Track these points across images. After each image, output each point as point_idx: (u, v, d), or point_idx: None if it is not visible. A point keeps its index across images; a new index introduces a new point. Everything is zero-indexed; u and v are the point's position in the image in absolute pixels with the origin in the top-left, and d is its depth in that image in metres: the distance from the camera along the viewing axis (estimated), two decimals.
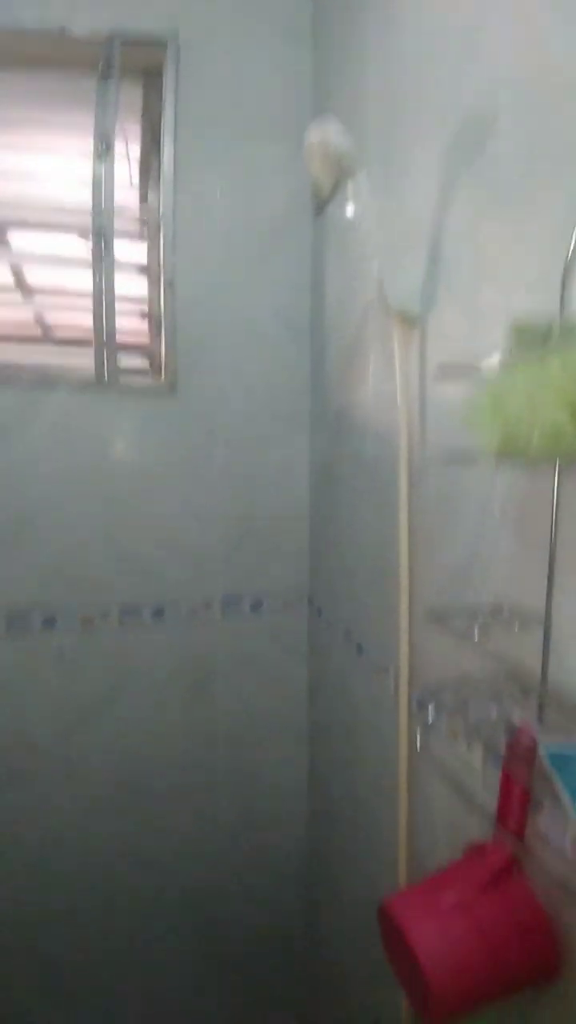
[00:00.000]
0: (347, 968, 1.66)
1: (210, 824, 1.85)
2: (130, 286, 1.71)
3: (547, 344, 0.68)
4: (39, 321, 1.75)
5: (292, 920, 1.97)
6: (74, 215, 1.68)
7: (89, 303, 1.65)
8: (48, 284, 1.72)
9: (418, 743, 0.89)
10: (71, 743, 1.72)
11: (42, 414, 1.63)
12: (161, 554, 1.73)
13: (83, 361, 1.68)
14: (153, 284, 1.71)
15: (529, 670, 0.83)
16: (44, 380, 1.65)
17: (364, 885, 1.49)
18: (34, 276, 1.70)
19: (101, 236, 1.65)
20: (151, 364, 1.74)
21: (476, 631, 0.86)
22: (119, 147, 1.71)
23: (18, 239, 1.70)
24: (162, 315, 1.68)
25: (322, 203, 1.62)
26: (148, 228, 1.71)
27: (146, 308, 1.73)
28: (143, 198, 1.74)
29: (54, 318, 1.75)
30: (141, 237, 1.72)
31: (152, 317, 1.72)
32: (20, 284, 1.70)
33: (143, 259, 1.72)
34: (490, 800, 0.90)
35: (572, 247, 0.73)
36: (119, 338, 1.68)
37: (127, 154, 1.75)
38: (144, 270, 1.72)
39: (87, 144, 1.66)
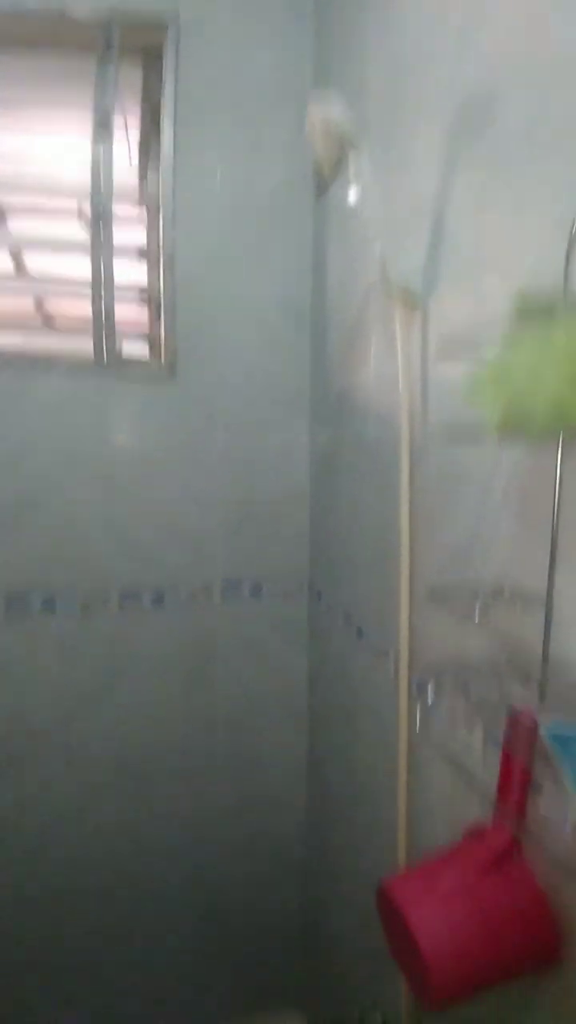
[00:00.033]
0: (347, 952, 1.66)
1: (210, 808, 1.85)
2: (129, 269, 1.69)
3: (551, 318, 0.67)
4: (38, 304, 1.73)
5: (292, 904, 1.97)
6: (73, 197, 1.66)
7: (88, 285, 1.64)
8: (47, 266, 1.71)
9: (417, 724, 0.87)
10: (71, 727, 1.72)
11: (41, 398, 1.62)
12: (161, 538, 1.72)
13: (82, 344, 1.67)
14: (152, 266, 1.70)
15: (530, 651, 0.82)
16: (43, 363, 1.64)
17: (364, 868, 1.49)
18: (33, 258, 1.69)
19: (100, 218, 1.63)
20: (150, 347, 1.73)
21: (477, 611, 0.85)
22: (118, 128, 1.69)
23: (17, 221, 1.68)
24: (161, 298, 1.67)
25: (324, 183, 1.61)
26: (147, 210, 1.70)
27: (145, 291, 1.71)
28: (142, 180, 1.72)
29: (53, 301, 1.74)
30: (140, 219, 1.70)
31: (151, 300, 1.70)
32: (19, 267, 1.68)
33: (142, 241, 1.71)
34: (490, 782, 0.89)
35: None
36: (118, 321, 1.67)
37: (127, 136, 1.73)
38: (143, 252, 1.70)
39: (86, 126, 1.65)
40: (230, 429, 1.73)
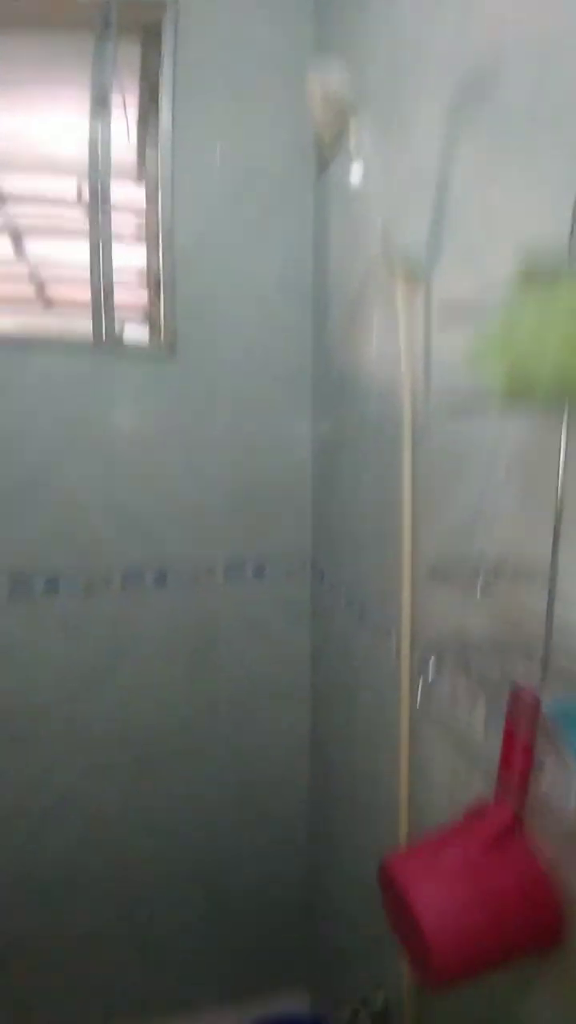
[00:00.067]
0: (350, 931, 1.66)
1: (213, 788, 1.86)
2: (128, 247, 1.67)
3: (556, 280, 0.65)
4: (36, 284, 1.72)
5: (296, 883, 1.98)
6: (72, 175, 1.64)
7: (87, 264, 1.62)
8: (45, 245, 1.69)
9: (418, 699, 0.86)
10: (74, 708, 1.72)
11: (41, 379, 1.61)
12: (163, 519, 1.71)
13: (82, 324, 1.65)
14: (151, 244, 1.68)
15: (533, 627, 0.81)
16: (43, 344, 1.62)
17: (366, 847, 1.49)
18: (31, 237, 1.67)
19: (98, 196, 1.61)
20: (150, 326, 1.71)
21: (479, 588, 0.84)
22: (117, 106, 1.67)
23: (15, 200, 1.66)
24: (161, 276, 1.65)
25: (325, 159, 1.59)
26: (146, 188, 1.68)
27: (144, 269, 1.69)
28: (141, 158, 1.70)
29: (51, 280, 1.72)
30: (139, 197, 1.68)
31: (151, 278, 1.69)
32: (17, 246, 1.67)
33: (141, 219, 1.69)
34: (492, 760, 0.88)
35: None
36: (117, 300, 1.65)
37: (125, 114, 1.71)
38: (142, 230, 1.68)
39: (85, 104, 1.62)
40: (231, 408, 1.72)
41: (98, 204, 1.62)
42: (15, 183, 1.65)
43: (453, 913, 0.80)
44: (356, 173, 1.30)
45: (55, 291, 1.73)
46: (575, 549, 0.76)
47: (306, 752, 1.91)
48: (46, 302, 1.73)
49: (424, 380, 1.12)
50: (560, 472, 0.76)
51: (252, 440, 1.75)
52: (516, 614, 0.85)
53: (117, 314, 1.66)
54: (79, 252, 1.63)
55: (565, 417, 0.74)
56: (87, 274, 1.63)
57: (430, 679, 0.84)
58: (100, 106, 1.63)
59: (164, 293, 1.65)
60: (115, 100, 1.65)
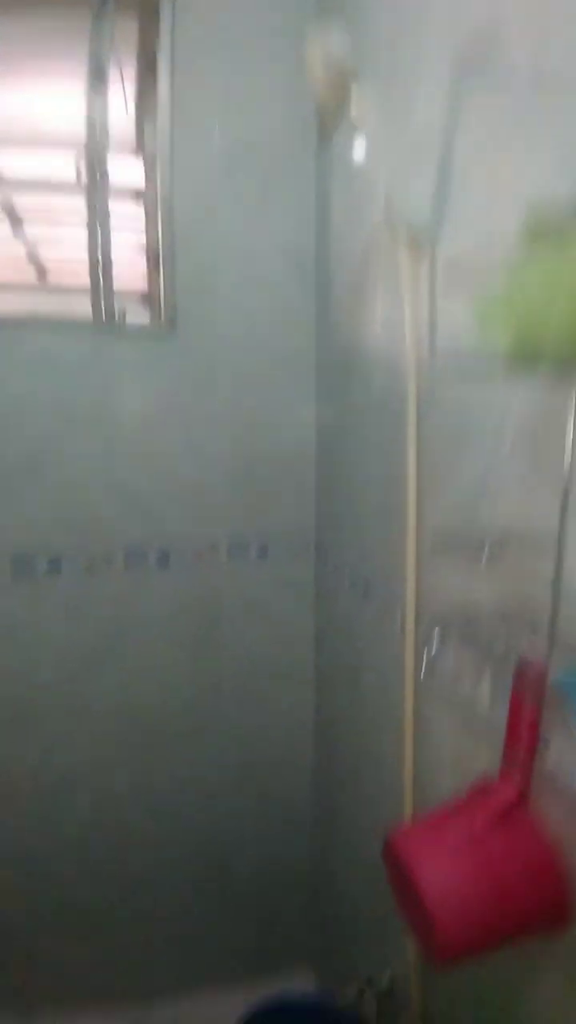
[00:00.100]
0: (356, 911, 1.66)
1: (217, 768, 1.85)
2: (127, 222, 1.64)
3: (563, 237, 0.63)
4: (33, 261, 1.69)
5: (301, 863, 1.97)
6: (69, 150, 1.61)
7: (84, 241, 1.60)
8: (43, 222, 1.66)
9: (422, 672, 0.85)
10: (78, 688, 1.72)
11: (39, 357, 1.58)
12: (165, 498, 1.69)
13: (79, 300, 1.63)
14: (150, 219, 1.65)
15: (540, 599, 0.79)
16: (40, 322, 1.60)
17: (371, 827, 1.48)
18: (29, 213, 1.65)
19: (96, 171, 1.58)
20: (149, 303, 1.68)
21: (485, 559, 0.82)
22: (115, 81, 1.64)
23: (11, 175, 1.63)
24: (160, 252, 1.62)
25: (327, 128, 1.55)
26: (145, 162, 1.65)
27: (143, 244, 1.66)
28: (139, 132, 1.67)
29: (49, 258, 1.70)
30: (137, 172, 1.65)
31: (150, 254, 1.66)
32: (13, 223, 1.64)
33: (140, 194, 1.66)
34: (497, 737, 0.86)
35: None
36: (116, 277, 1.62)
37: (123, 87, 1.68)
38: (141, 204, 1.65)
39: (82, 78, 1.59)
40: (232, 385, 1.69)
41: (95, 179, 1.59)
42: (12, 159, 1.63)
43: (457, 888, 0.79)
44: (358, 141, 1.27)
45: (52, 268, 1.70)
46: None
47: (310, 732, 1.90)
48: (43, 280, 1.70)
49: (429, 349, 1.09)
50: (569, 440, 0.73)
51: (254, 417, 1.72)
52: (522, 586, 0.84)
53: (116, 291, 1.63)
54: (77, 228, 1.61)
55: (574, 381, 0.72)
56: (85, 251, 1.60)
57: (434, 652, 0.83)
58: (97, 81, 1.60)
59: (163, 269, 1.62)
60: (113, 74, 1.61)
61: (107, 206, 1.60)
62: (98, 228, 1.60)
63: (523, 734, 0.79)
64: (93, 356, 1.61)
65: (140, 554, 1.70)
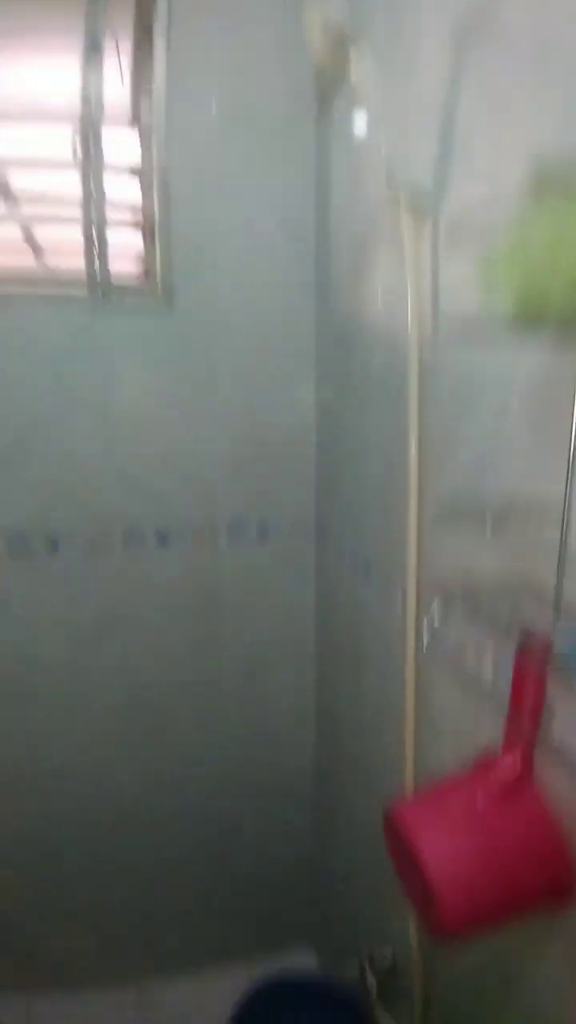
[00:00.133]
0: (357, 889, 1.66)
1: (219, 747, 1.84)
2: (122, 195, 1.61)
3: (571, 190, 0.61)
4: (27, 235, 1.66)
5: (303, 841, 1.97)
6: (63, 121, 1.58)
7: (79, 213, 1.56)
8: (36, 194, 1.63)
9: (424, 643, 0.83)
10: (78, 668, 1.70)
11: (32, 332, 1.55)
12: (163, 477, 1.67)
13: (74, 275, 1.60)
14: (146, 191, 1.61)
15: (544, 569, 0.77)
16: (34, 296, 1.57)
17: (372, 804, 1.47)
18: (22, 186, 1.61)
19: (90, 141, 1.55)
20: (146, 276, 1.65)
21: (488, 528, 0.80)
22: (110, 50, 1.60)
23: (5, 148, 1.60)
24: (156, 222, 1.59)
25: (326, 95, 1.52)
26: (140, 133, 1.61)
27: (140, 216, 1.63)
28: (135, 102, 1.63)
29: (43, 231, 1.66)
30: (133, 141, 1.62)
31: (146, 227, 1.63)
32: (6, 196, 1.61)
33: (135, 164, 1.62)
34: (500, 711, 0.85)
35: None
36: (112, 251, 1.59)
37: (119, 57, 1.65)
38: (136, 176, 1.62)
39: (78, 50, 1.56)
40: (232, 360, 1.66)
41: (90, 150, 1.55)
42: (6, 134, 1.59)
43: (459, 861, 0.78)
44: (358, 108, 1.24)
45: (47, 243, 1.67)
46: None
47: (311, 711, 1.89)
48: (38, 255, 1.67)
49: (432, 317, 1.07)
50: (575, 404, 0.72)
51: (253, 394, 1.69)
52: (527, 556, 0.82)
53: (111, 265, 1.60)
54: (71, 201, 1.57)
55: None
56: (80, 223, 1.57)
57: (436, 622, 0.81)
58: (93, 53, 1.56)
59: (160, 241, 1.59)
60: (108, 44, 1.57)
61: (102, 179, 1.57)
62: (93, 201, 1.56)
63: (527, 705, 0.78)
64: (89, 332, 1.58)
65: (139, 534, 1.68)
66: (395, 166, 1.09)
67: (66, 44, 1.58)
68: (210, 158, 1.59)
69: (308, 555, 1.80)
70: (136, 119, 1.63)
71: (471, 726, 1.01)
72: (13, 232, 1.65)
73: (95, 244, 1.58)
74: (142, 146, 1.62)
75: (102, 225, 1.58)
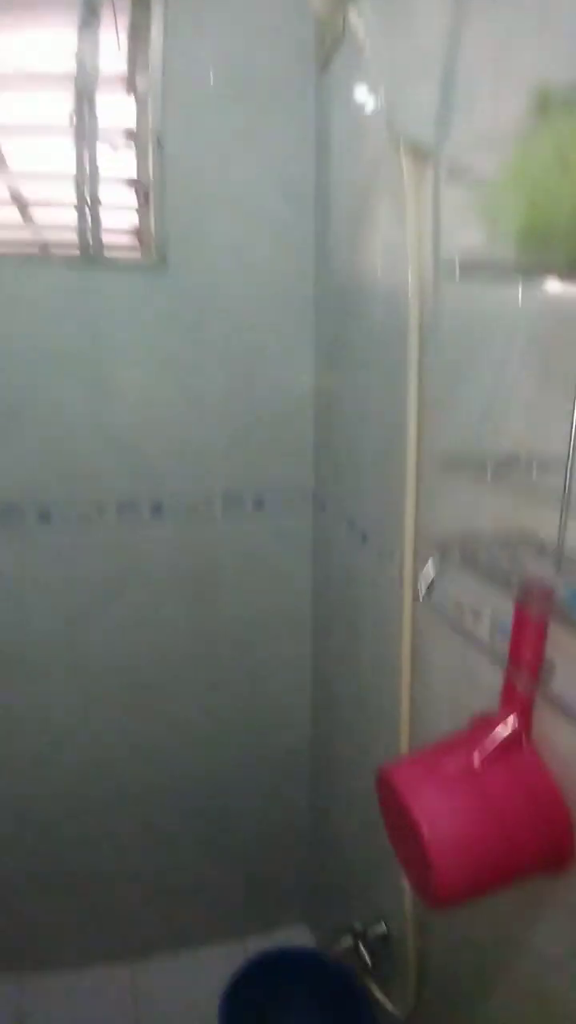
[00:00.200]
0: (352, 864, 1.65)
1: (215, 720, 1.83)
2: (117, 157, 1.57)
3: (572, 107, 0.57)
4: (16, 194, 1.62)
5: (298, 817, 1.96)
6: (59, 86, 1.54)
7: (71, 173, 1.53)
8: (29, 157, 1.59)
9: (421, 594, 0.80)
10: (73, 641, 1.68)
11: (22, 295, 1.51)
12: (156, 446, 1.63)
13: (65, 236, 1.56)
14: (140, 149, 1.57)
15: (545, 522, 0.74)
16: (24, 257, 1.53)
17: (367, 778, 1.46)
18: (14, 149, 1.57)
19: (84, 99, 1.51)
20: (139, 237, 1.61)
21: (489, 479, 0.77)
22: (107, 11, 1.56)
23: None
24: (151, 182, 1.55)
25: (326, 54, 1.48)
26: (136, 96, 1.57)
27: (134, 177, 1.59)
28: (131, 64, 1.59)
29: (34, 191, 1.62)
30: (129, 104, 1.58)
31: (140, 187, 1.59)
32: None
33: (130, 124, 1.58)
34: (497, 674, 0.82)
35: None
36: (105, 211, 1.55)
37: (115, 16, 1.61)
38: (131, 135, 1.58)
39: (75, 15, 1.52)
40: (227, 324, 1.61)
41: (84, 109, 1.52)
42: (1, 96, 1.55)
43: (454, 822, 0.75)
44: (358, 60, 1.20)
45: (37, 202, 1.62)
46: None
47: (307, 682, 1.87)
48: (26, 213, 1.63)
49: (433, 267, 1.03)
50: None
51: (249, 359, 1.65)
52: (527, 508, 0.79)
53: (105, 227, 1.56)
54: (65, 162, 1.54)
55: None
56: (72, 184, 1.53)
57: (432, 577, 0.78)
58: (90, 15, 1.52)
59: (154, 199, 1.55)
60: (105, 7, 1.53)
61: (95, 142, 1.53)
62: (86, 159, 1.52)
63: (526, 658, 0.75)
64: (79, 294, 1.54)
65: (132, 505, 1.65)
66: (396, 114, 1.05)
67: (63, 6, 1.55)
68: (207, 120, 1.55)
69: (305, 526, 1.77)
70: (132, 82, 1.59)
71: (468, 688, 0.99)
72: (3, 194, 1.61)
73: (87, 205, 1.54)
74: (138, 109, 1.58)
75: (95, 186, 1.54)
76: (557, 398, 0.72)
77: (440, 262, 0.99)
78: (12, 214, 1.62)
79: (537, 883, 0.80)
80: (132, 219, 1.61)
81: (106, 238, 1.58)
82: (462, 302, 0.96)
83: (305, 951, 1.78)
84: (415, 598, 1.06)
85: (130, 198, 1.60)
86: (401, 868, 0.88)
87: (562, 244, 0.58)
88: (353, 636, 1.52)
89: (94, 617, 1.68)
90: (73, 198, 1.55)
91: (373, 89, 1.21)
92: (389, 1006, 1.37)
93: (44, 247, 1.58)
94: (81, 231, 1.55)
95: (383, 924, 1.41)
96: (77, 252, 1.56)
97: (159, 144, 1.53)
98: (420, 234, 1.02)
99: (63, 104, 1.54)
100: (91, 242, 1.55)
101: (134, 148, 1.58)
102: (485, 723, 0.81)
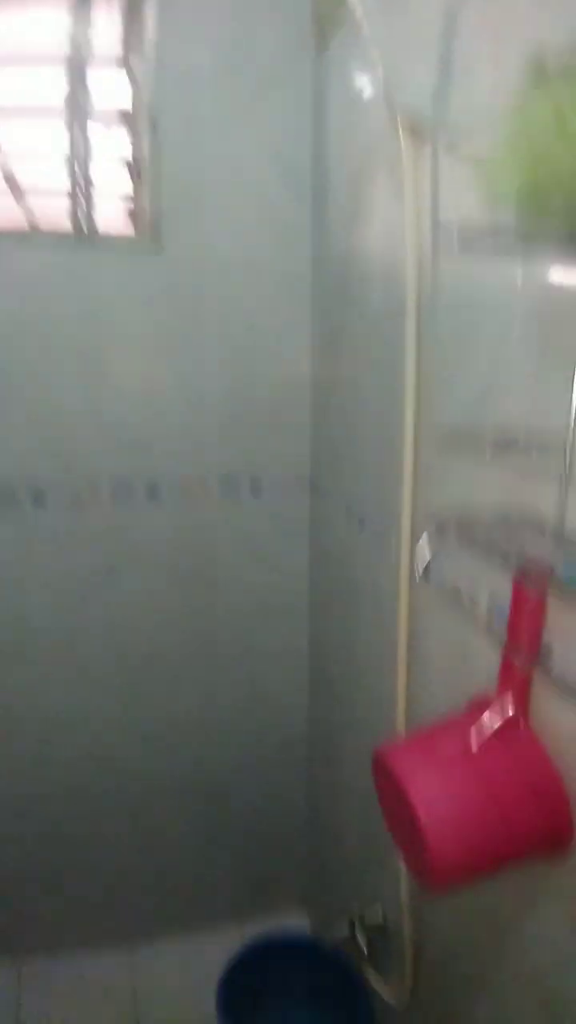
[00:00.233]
0: (349, 848, 1.64)
1: (211, 704, 1.82)
2: (111, 135, 1.55)
3: (570, 71, 0.56)
4: (7, 174, 1.59)
5: (295, 801, 1.95)
6: (52, 64, 1.52)
7: (64, 151, 1.51)
8: (21, 136, 1.57)
9: (419, 573, 0.79)
10: (69, 623, 1.67)
11: (14, 274, 1.49)
12: (152, 428, 1.62)
13: (58, 215, 1.54)
14: (135, 128, 1.55)
15: (544, 500, 0.73)
16: (15, 236, 1.51)
17: (363, 760, 1.45)
18: (5, 127, 1.55)
19: (78, 78, 1.49)
20: (133, 217, 1.59)
21: (488, 459, 0.76)
22: None
23: None
24: (145, 161, 1.53)
25: (325, 34, 1.46)
26: (130, 73, 1.55)
27: (129, 156, 1.57)
28: (126, 40, 1.57)
29: (28, 171, 1.60)
30: (124, 83, 1.56)
31: (134, 166, 1.57)
32: None
33: (125, 103, 1.56)
34: (495, 652, 0.81)
35: None
36: (99, 190, 1.53)
37: None
38: (124, 115, 1.56)
39: None
40: (223, 304, 1.60)
41: (77, 88, 1.49)
42: None
43: (450, 803, 0.74)
44: (358, 38, 1.18)
45: (31, 181, 1.60)
46: None
47: (305, 667, 1.86)
48: (20, 193, 1.61)
49: (431, 242, 1.02)
50: None
51: (246, 339, 1.63)
52: (526, 485, 0.78)
53: (98, 206, 1.54)
54: (58, 141, 1.51)
55: None
56: (64, 162, 1.51)
57: (429, 555, 0.77)
58: None
59: (149, 179, 1.52)
60: None
61: (87, 120, 1.51)
62: (79, 142, 1.50)
63: (524, 637, 0.74)
64: (74, 274, 1.52)
65: (128, 487, 1.63)
66: (394, 91, 1.03)
67: None
68: (203, 99, 1.53)
69: (302, 510, 1.76)
70: (126, 61, 1.57)
71: (466, 669, 0.98)
72: None
73: (81, 185, 1.52)
74: (132, 88, 1.56)
75: (89, 166, 1.52)
76: (557, 374, 0.71)
77: (438, 235, 0.97)
78: (5, 194, 1.59)
79: (534, 868, 0.79)
80: (127, 199, 1.59)
81: (100, 218, 1.56)
82: (461, 279, 0.94)
83: (302, 937, 1.78)
84: (412, 578, 1.05)
85: (125, 178, 1.58)
86: (398, 851, 0.87)
87: (560, 206, 0.57)
88: (350, 619, 1.51)
89: (88, 601, 1.67)
90: (67, 178, 1.53)
91: (371, 67, 1.19)
92: (386, 994, 1.36)
93: (38, 227, 1.56)
94: (75, 211, 1.53)
95: (380, 911, 1.41)
96: (71, 232, 1.54)
97: (154, 124, 1.51)
98: (418, 211, 1.00)
99: (57, 84, 1.53)
100: (85, 222, 1.54)
101: (128, 127, 1.56)
102: (482, 704, 0.80)
